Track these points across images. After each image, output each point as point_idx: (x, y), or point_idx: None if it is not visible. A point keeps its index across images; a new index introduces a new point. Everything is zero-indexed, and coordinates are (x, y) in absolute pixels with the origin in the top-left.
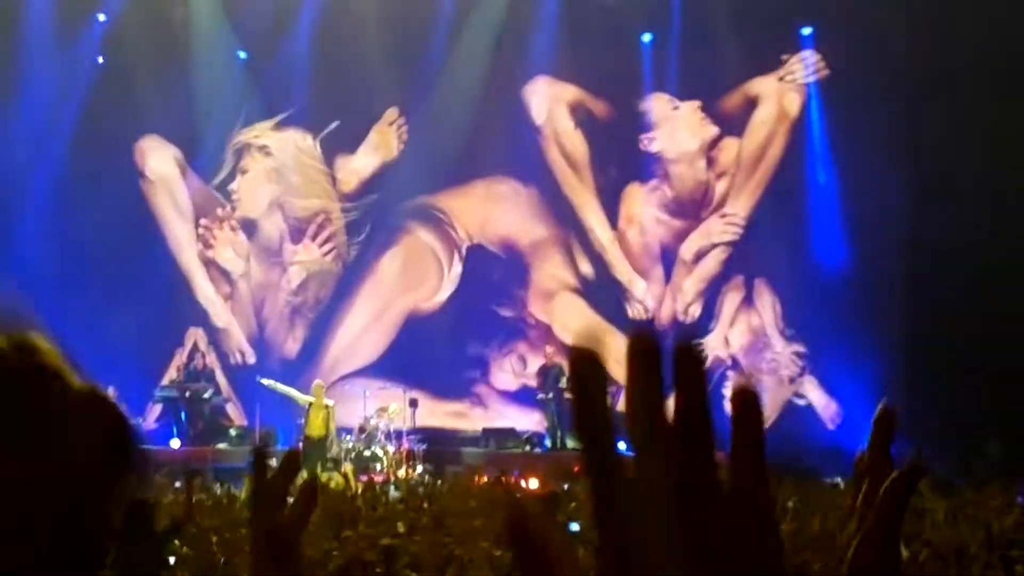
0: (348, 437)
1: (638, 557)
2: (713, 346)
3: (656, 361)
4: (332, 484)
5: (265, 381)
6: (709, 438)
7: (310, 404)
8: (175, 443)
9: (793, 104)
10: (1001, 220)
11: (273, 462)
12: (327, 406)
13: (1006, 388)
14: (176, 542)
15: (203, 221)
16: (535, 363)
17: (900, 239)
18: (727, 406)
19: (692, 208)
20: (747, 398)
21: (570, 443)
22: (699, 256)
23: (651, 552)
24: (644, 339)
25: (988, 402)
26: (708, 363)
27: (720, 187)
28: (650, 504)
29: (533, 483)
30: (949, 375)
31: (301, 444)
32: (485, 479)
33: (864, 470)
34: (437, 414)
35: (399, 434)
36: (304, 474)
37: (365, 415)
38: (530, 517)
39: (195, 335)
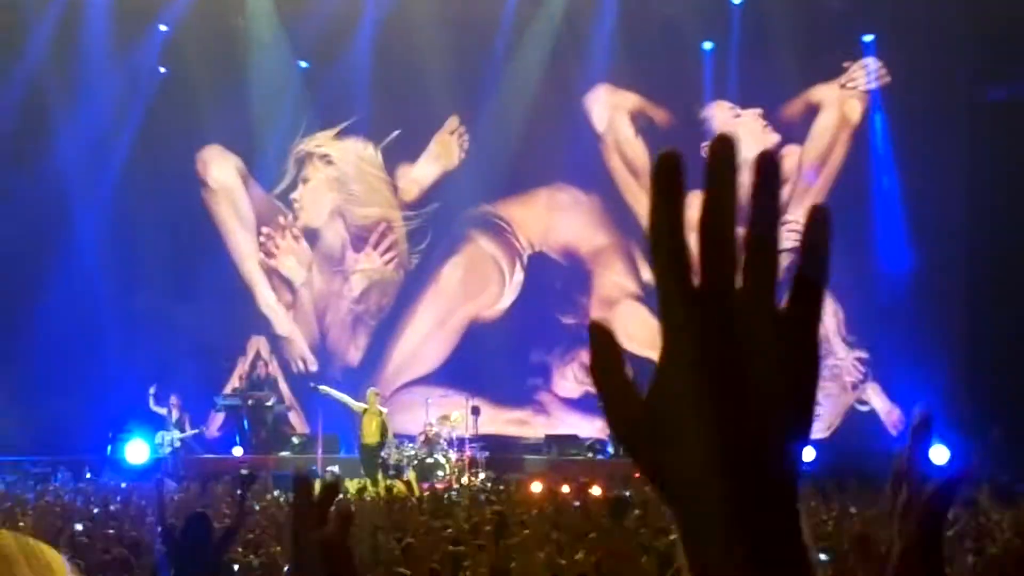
0: (410, 444)
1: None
2: None
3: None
4: (395, 491)
5: (321, 388)
6: (774, 248)
7: (364, 411)
8: (238, 451)
9: (855, 111)
10: None
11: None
12: (381, 413)
13: None
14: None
15: (265, 230)
16: None
17: (962, 246)
18: None
19: None
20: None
21: None
22: None
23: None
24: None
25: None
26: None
27: (782, 194)
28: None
29: (596, 490)
30: (1011, 381)
31: (358, 452)
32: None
33: (902, 473)
34: (499, 421)
35: (461, 441)
36: (358, 484)
37: (427, 422)
38: None
39: (257, 343)
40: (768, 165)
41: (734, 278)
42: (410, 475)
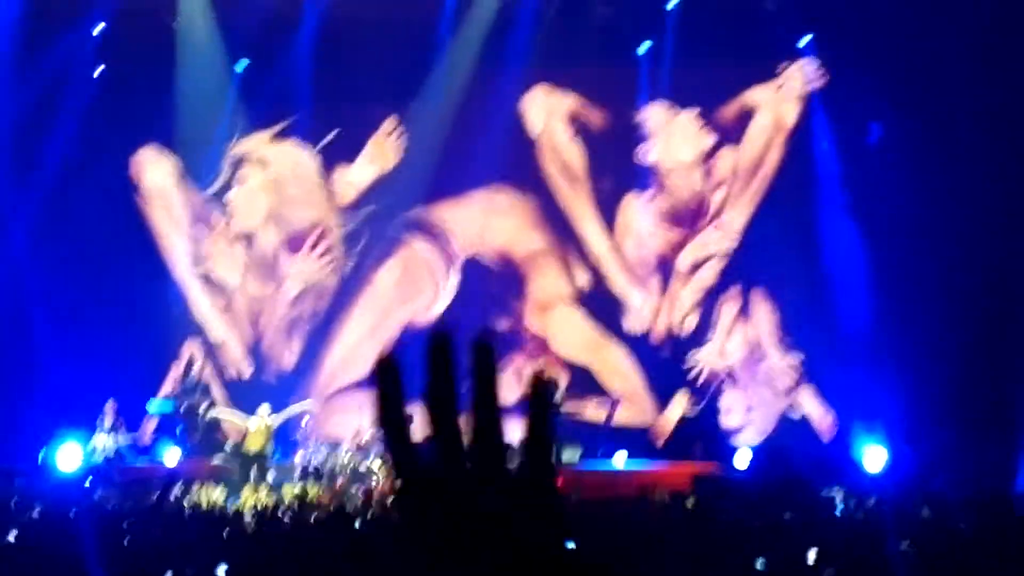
0: (346, 450)
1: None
2: (709, 357)
3: (444, 357)
4: (253, 501)
5: (212, 414)
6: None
7: (247, 423)
8: (171, 457)
9: (790, 113)
10: (999, 230)
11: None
12: (268, 426)
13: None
14: None
15: (199, 233)
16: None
17: (899, 247)
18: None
19: (689, 218)
20: (539, 385)
21: (564, 456)
22: (696, 267)
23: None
24: (438, 338)
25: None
26: (704, 374)
27: (717, 197)
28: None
29: None
30: (949, 384)
31: (239, 461)
32: None
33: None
34: None
35: None
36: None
37: (361, 428)
38: None
39: (191, 347)
40: (481, 356)
41: (461, 456)
42: (340, 481)
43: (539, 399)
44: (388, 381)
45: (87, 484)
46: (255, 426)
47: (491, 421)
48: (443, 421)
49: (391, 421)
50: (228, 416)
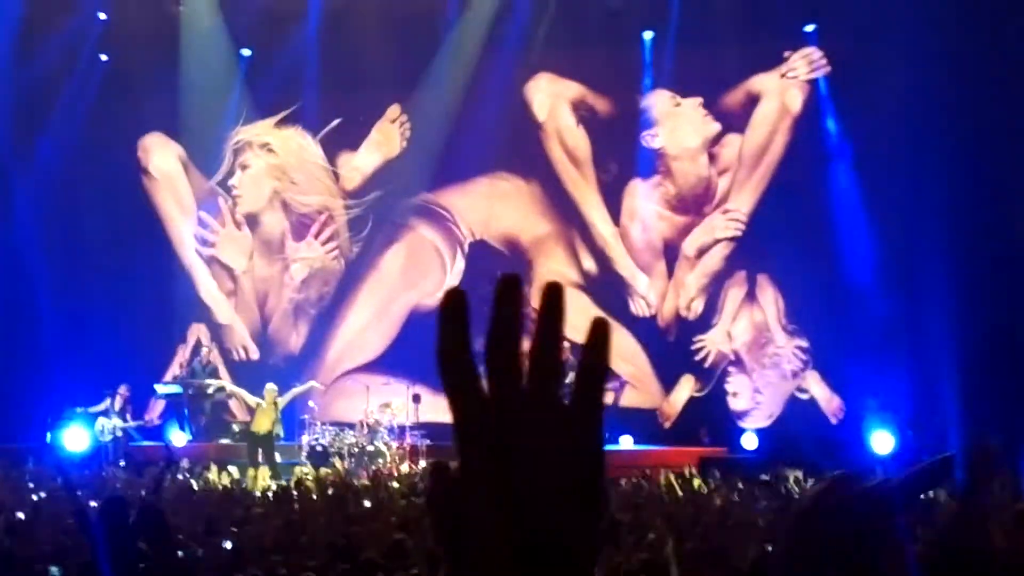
0: (351, 432)
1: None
2: (716, 341)
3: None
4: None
5: (220, 383)
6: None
7: (258, 405)
8: (179, 438)
9: (795, 100)
10: (1010, 213)
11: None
12: (276, 407)
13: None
14: None
15: (205, 218)
16: None
17: (906, 232)
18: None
19: (694, 204)
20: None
21: None
22: (701, 252)
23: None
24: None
25: (992, 396)
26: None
27: (722, 183)
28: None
29: None
30: (955, 372)
31: (247, 442)
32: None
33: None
34: (440, 409)
35: (402, 429)
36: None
37: (368, 410)
38: None
39: (198, 331)
40: (552, 295)
41: (519, 383)
42: (338, 463)
43: (599, 339)
44: (456, 313)
45: (121, 463)
46: (263, 406)
47: (549, 348)
48: (506, 357)
49: (456, 342)
50: (239, 394)
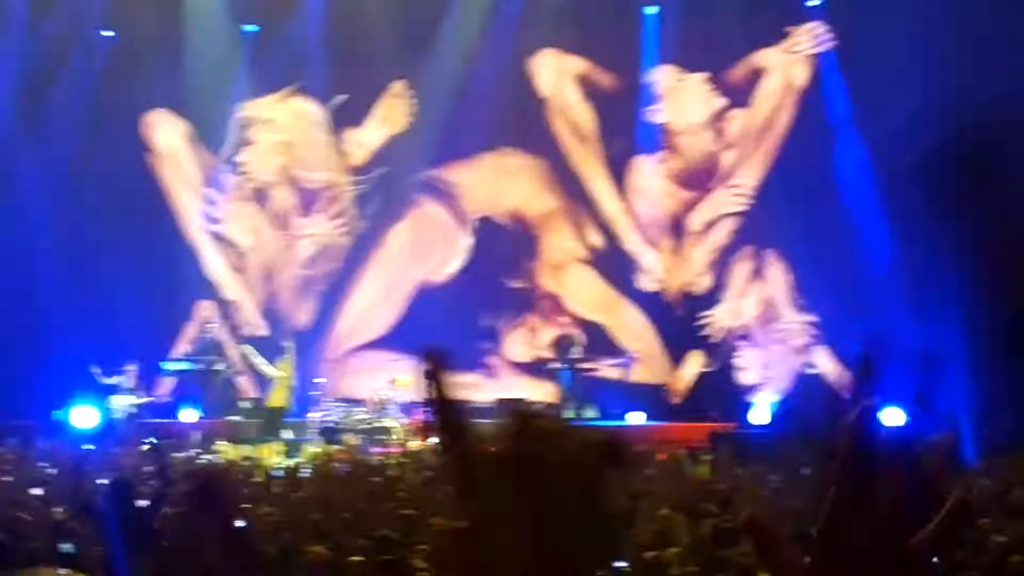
0: (360, 409)
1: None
2: (723, 317)
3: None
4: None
5: (245, 349)
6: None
7: (274, 379)
8: (189, 415)
9: (800, 75)
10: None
11: None
12: (289, 381)
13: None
14: None
15: (212, 194)
16: (546, 334)
17: (914, 207)
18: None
19: (700, 179)
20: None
21: (587, 412)
22: (708, 227)
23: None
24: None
25: (1005, 373)
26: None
27: (728, 158)
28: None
29: None
30: (963, 345)
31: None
32: None
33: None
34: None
35: (411, 405)
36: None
37: (376, 387)
38: None
39: (206, 308)
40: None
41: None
42: (350, 439)
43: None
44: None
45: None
46: (278, 380)
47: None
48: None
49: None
50: (259, 362)
